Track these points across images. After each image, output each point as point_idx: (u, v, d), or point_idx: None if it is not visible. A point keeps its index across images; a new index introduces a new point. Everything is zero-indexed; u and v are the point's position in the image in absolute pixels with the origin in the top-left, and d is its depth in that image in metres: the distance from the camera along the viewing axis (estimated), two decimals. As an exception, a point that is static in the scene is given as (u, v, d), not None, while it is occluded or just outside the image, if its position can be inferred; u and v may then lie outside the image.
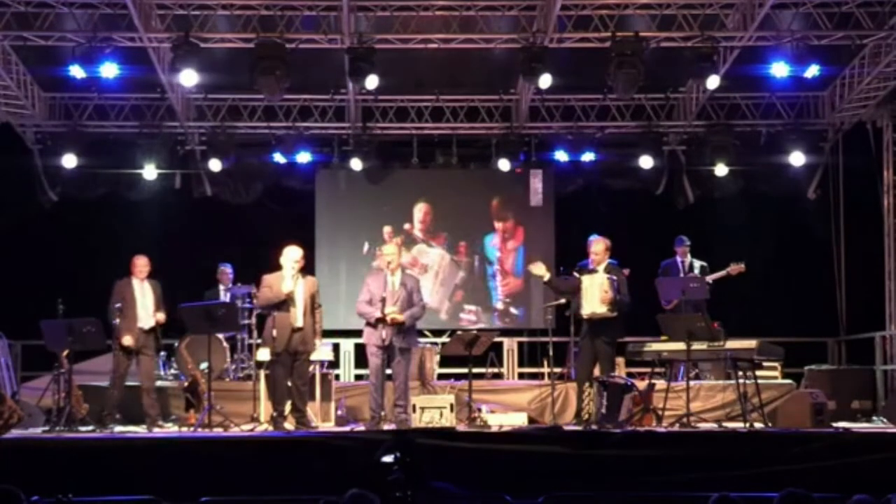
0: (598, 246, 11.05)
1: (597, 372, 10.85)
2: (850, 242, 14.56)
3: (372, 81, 12.25)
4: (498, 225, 15.35)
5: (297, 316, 10.37)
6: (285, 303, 10.37)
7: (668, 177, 15.06)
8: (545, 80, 12.25)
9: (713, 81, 12.44)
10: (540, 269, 11.12)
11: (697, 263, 12.88)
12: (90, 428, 10.35)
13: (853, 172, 14.55)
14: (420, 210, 15.31)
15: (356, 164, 14.76)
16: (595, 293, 10.71)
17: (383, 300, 10.23)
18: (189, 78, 12.14)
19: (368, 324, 10.45)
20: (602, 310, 10.74)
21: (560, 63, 12.53)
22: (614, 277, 10.85)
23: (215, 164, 14.43)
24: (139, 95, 14.36)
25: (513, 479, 7.98)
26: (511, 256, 15.37)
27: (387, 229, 15.19)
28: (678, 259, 12.98)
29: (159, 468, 8.24)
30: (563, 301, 11.28)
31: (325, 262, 14.93)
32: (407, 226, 15.24)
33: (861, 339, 14.28)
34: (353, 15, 12.27)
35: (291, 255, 10.55)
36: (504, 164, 14.72)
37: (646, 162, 14.57)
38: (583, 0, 12.14)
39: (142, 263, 11.19)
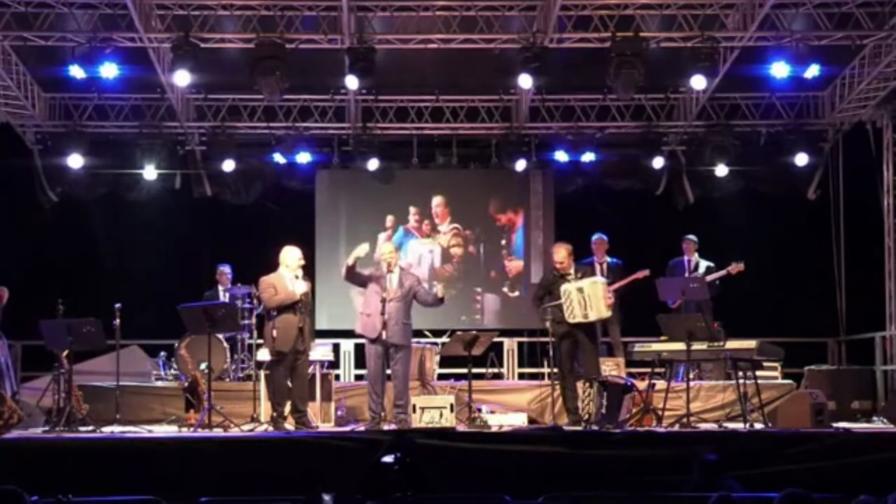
0: (559, 254, 10.84)
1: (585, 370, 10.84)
2: (850, 242, 14.56)
3: (352, 82, 12.30)
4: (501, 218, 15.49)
5: (301, 316, 10.37)
6: (293, 303, 10.37)
7: (668, 177, 15.06)
8: (525, 80, 12.27)
9: (699, 82, 12.43)
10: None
11: (704, 264, 12.90)
12: (90, 428, 10.35)
13: (853, 172, 14.55)
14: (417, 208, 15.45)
15: (356, 164, 14.78)
16: (600, 299, 10.60)
17: (383, 301, 10.22)
18: (182, 78, 12.17)
19: (363, 314, 10.49)
20: (608, 313, 10.73)
21: (560, 63, 12.53)
22: (603, 278, 10.95)
23: (228, 165, 14.46)
24: (139, 95, 14.36)
25: (513, 479, 7.98)
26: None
27: (389, 218, 15.33)
28: (685, 258, 13.03)
29: (159, 468, 8.25)
30: (561, 301, 11.24)
31: (325, 263, 14.92)
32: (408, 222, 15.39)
33: (861, 339, 14.29)
34: (354, 15, 12.27)
35: (296, 255, 10.52)
36: (516, 164, 14.76)
37: (646, 162, 14.57)
38: (583, 0, 12.14)
39: None
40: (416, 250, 15.29)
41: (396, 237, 15.26)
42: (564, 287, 10.60)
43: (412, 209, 15.36)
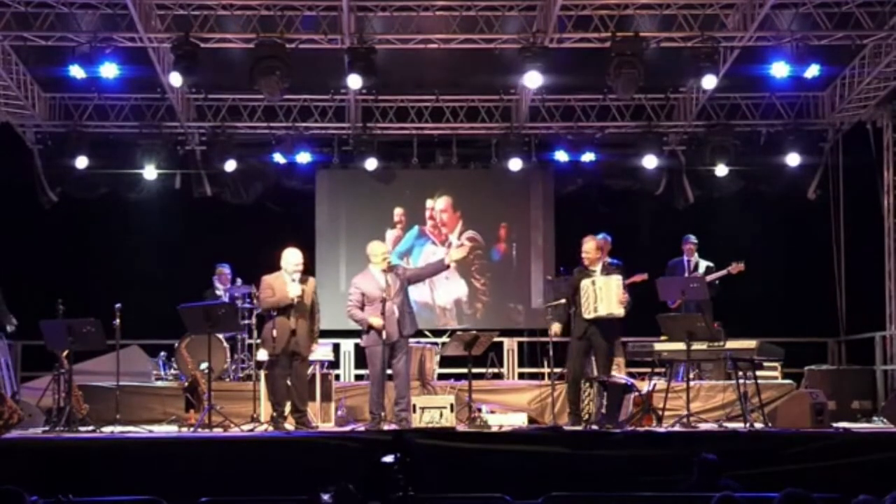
0: (588, 245, 10.89)
1: (595, 371, 10.83)
2: (850, 242, 14.55)
3: (355, 82, 12.29)
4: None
5: (296, 319, 10.35)
6: (287, 305, 10.35)
7: (668, 177, 15.06)
8: (532, 79, 12.28)
9: (709, 81, 12.45)
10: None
11: (703, 263, 12.91)
12: (90, 428, 10.35)
13: (853, 172, 14.54)
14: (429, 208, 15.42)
15: (356, 164, 14.79)
16: (612, 294, 10.61)
17: (384, 301, 10.20)
18: (176, 79, 12.17)
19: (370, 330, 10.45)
20: (619, 311, 10.69)
21: (560, 63, 12.53)
22: (620, 277, 10.90)
23: (229, 165, 14.45)
24: (139, 95, 14.36)
25: (513, 479, 7.98)
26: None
27: (398, 211, 15.29)
28: (685, 258, 13.03)
29: (159, 468, 8.25)
30: (563, 301, 11.25)
31: (325, 263, 14.93)
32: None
33: (861, 339, 14.28)
34: (354, 15, 12.27)
35: (294, 259, 10.45)
36: (515, 164, 14.75)
37: (646, 162, 14.58)
38: (583, 0, 12.14)
39: None
40: (429, 257, 15.23)
41: (408, 237, 15.24)
42: (583, 282, 10.64)
43: (429, 203, 15.33)
